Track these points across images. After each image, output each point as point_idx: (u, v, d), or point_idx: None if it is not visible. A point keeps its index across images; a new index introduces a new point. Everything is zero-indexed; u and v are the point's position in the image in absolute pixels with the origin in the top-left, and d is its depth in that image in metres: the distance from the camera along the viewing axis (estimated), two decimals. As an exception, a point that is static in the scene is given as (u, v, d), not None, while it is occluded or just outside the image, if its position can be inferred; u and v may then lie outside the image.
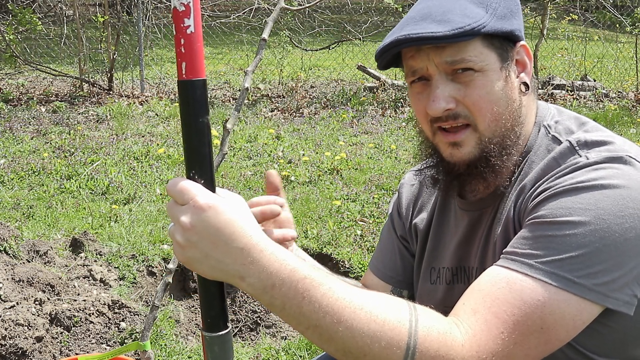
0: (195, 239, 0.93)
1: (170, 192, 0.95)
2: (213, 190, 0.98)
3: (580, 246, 1.00)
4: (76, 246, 3.50)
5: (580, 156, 1.10)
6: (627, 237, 1.00)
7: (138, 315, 2.98)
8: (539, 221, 1.05)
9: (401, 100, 7.44)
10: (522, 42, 1.20)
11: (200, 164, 0.97)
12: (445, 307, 1.10)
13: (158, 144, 5.78)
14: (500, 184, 1.19)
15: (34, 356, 2.61)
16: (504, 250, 1.07)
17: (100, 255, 3.48)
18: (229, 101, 7.63)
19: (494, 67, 1.14)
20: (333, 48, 9.13)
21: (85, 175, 4.91)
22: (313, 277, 0.95)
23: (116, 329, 2.89)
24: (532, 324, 0.98)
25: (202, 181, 0.97)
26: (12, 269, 3.04)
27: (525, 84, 1.19)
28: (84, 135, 6.03)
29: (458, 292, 1.25)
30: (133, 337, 2.83)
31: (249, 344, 3.07)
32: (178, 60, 0.95)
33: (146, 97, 7.59)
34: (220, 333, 1.03)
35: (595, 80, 8.32)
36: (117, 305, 3.00)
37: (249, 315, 3.28)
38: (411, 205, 1.43)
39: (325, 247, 3.67)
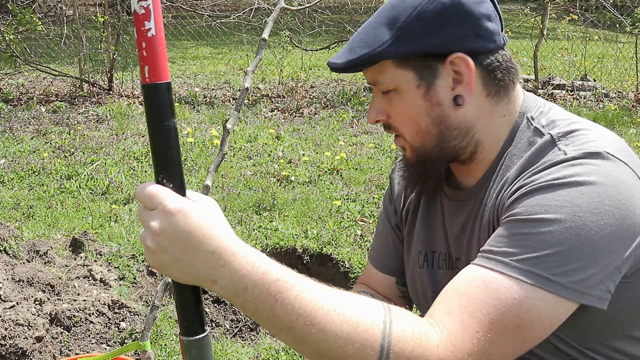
0: (166, 243, 0.92)
1: (139, 197, 0.94)
2: (183, 194, 0.97)
3: (556, 244, 1.00)
4: (76, 246, 3.50)
5: (560, 150, 1.10)
6: (603, 234, 1.00)
7: (138, 315, 2.98)
8: (514, 219, 1.05)
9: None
10: (456, 54, 1.14)
11: (168, 168, 0.96)
12: (433, 292, 1.13)
13: (158, 144, 5.77)
14: (430, 186, 1.26)
15: (34, 356, 2.61)
16: (481, 249, 1.08)
17: (100, 255, 3.48)
18: (229, 101, 7.63)
19: (408, 87, 1.17)
20: (333, 48, 9.12)
21: (85, 175, 4.91)
22: (286, 279, 0.95)
23: (116, 329, 2.89)
24: (508, 322, 0.98)
25: (171, 185, 0.96)
26: (12, 269, 3.04)
27: (457, 97, 1.16)
28: (84, 135, 6.04)
29: (444, 278, 1.29)
30: (133, 337, 2.83)
31: (249, 344, 3.07)
32: (141, 64, 0.94)
33: (146, 97, 7.59)
34: (197, 337, 1.02)
35: (595, 80, 8.32)
36: (117, 305, 3.00)
37: (249, 315, 3.28)
38: (402, 192, 1.44)
39: (325, 247, 3.67)
